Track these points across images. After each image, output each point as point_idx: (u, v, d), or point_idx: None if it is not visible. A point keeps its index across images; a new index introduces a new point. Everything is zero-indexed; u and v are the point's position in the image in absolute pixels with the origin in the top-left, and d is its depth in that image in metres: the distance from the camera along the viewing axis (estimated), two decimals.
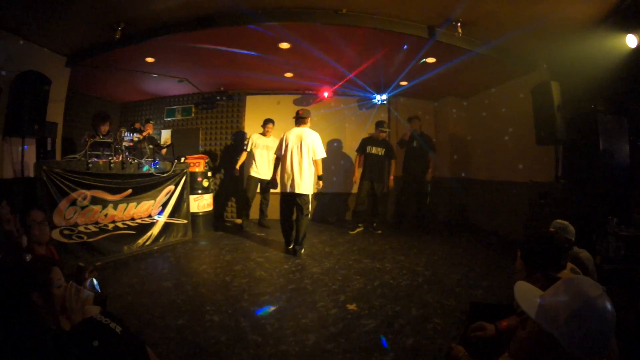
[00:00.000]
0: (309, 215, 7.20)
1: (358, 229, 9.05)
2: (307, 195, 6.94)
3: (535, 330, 1.47)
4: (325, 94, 10.23)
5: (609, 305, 1.36)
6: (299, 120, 7.13)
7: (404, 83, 9.25)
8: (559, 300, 1.43)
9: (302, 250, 7.00)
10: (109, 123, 7.25)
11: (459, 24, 6.04)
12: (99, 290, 3.09)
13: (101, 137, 6.94)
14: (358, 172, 9.26)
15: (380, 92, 9.81)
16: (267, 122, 9.40)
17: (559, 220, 3.82)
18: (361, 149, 9.22)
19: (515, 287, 1.71)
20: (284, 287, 5.33)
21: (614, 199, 5.76)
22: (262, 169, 9.27)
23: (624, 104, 6.12)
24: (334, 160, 10.83)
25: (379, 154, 9.05)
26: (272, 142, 9.24)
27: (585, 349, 1.33)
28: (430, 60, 7.64)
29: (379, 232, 8.99)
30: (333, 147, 10.91)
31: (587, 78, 6.22)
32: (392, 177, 9.27)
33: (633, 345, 2.43)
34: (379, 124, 9.19)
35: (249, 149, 9.30)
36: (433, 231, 9.17)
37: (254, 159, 9.28)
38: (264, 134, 9.42)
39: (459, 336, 3.14)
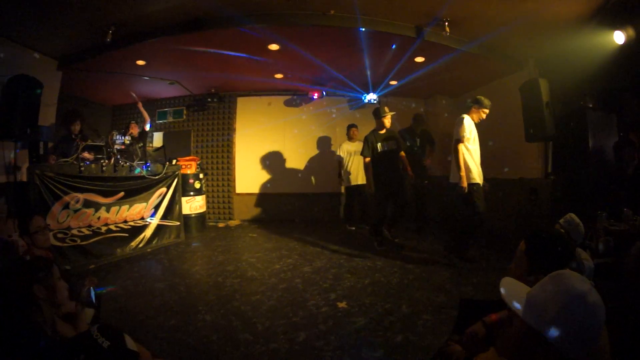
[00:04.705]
0: None
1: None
2: None
3: (523, 328, 1.42)
4: (315, 95, 10.26)
5: (598, 300, 1.32)
6: None
7: (393, 82, 9.29)
8: (547, 296, 1.38)
9: None
10: (78, 122, 7.24)
11: (446, 23, 6.09)
12: (93, 301, 3.13)
13: (73, 136, 6.96)
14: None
15: (369, 92, 9.82)
16: (351, 127, 9.51)
17: (574, 216, 3.74)
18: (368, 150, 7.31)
19: (501, 283, 1.64)
20: (275, 287, 5.36)
21: (603, 194, 5.80)
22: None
23: (613, 100, 6.17)
24: (326, 161, 10.92)
25: (391, 147, 7.34)
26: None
27: (576, 345, 1.29)
28: (419, 59, 7.69)
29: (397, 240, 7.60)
30: (323, 147, 11.00)
31: (575, 75, 6.28)
32: (409, 168, 7.63)
33: (623, 338, 2.43)
34: (377, 113, 7.33)
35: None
36: (427, 232, 8.75)
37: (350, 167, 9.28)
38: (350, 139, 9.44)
39: (450, 332, 3.16)
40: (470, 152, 6.16)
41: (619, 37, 5.38)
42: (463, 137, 6.03)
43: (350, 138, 9.39)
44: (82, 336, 1.78)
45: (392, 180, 7.16)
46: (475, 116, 6.23)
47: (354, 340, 3.82)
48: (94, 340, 1.68)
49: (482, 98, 6.19)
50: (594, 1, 5.34)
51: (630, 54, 5.38)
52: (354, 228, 9.35)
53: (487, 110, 6.22)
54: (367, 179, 7.37)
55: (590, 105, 6.29)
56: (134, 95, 8.54)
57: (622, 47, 5.40)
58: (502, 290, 1.59)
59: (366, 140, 7.31)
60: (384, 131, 7.26)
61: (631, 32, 5.25)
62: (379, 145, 7.20)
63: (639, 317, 2.91)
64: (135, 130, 8.28)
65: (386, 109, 7.29)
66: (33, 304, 2.23)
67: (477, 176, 6.18)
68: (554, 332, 1.31)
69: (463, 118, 6.13)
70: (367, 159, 7.21)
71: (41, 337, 2.06)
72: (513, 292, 1.58)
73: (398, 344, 3.75)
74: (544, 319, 1.34)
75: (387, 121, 7.24)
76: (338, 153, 9.44)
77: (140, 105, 8.54)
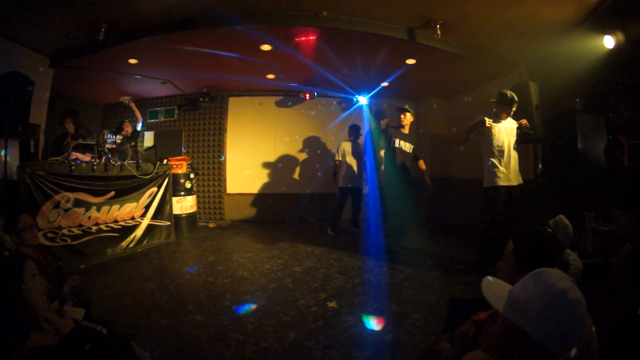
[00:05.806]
0: None
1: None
2: None
3: (505, 325, 1.45)
4: (307, 96, 10.28)
5: (579, 297, 1.34)
6: None
7: (385, 84, 9.31)
8: (528, 294, 1.39)
9: None
10: (70, 120, 7.20)
11: (438, 26, 6.11)
12: (72, 298, 3.14)
13: (68, 135, 6.97)
14: None
15: (361, 93, 9.85)
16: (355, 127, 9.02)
17: (563, 217, 3.76)
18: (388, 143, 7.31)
19: (482, 282, 1.70)
20: (265, 287, 5.37)
21: (592, 195, 5.86)
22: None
23: (602, 103, 6.23)
24: (316, 162, 10.95)
25: (407, 150, 7.41)
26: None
27: (558, 341, 1.32)
28: (411, 61, 7.71)
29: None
30: (314, 148, 11.02)
31: (565, 78, 6.31)
32: (428, 179, 7.70)
33: (612, 336, 2.46)
34: (403, 108, 7.47)
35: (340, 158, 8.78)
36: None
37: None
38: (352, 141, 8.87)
39: (439, 331, 3.18)
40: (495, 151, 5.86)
41: (608, 42, 5.44)
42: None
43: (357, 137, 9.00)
44: (80, 328, 1.80)
45: (396, 179, 7.09)
46: (503, 115, 5.83)
47: (344, 339, 3.84)
48: (93, 329, 1.70)
49: (506, 93, 5.70)
50: (585, 6, 5.39)
51: (619, 58, 5.44)
52: (333, 233, 8.82)
53: (513, 108, 5.72)
54: (379, 173, 7.28)
55: (580, 108, 6.35)
56: (126, 98, 8.48)
57: (612, 51, 5.46)
58: (484, 288, 1.64)
59: (385, 133, 7.27)
60: (403, 130, 7.33)
61: (621, 36, 5.31)
62: (396, 140, 7.19)
63: (627, 317, 2.95)
64: (129, 129, 8.26)
65: (409, 109, 7.37)
66: (9, 300, 2.25)
67: (500, 178, 5.78)
68: (536, 329, 1.33)
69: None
70: (382, 152, 7.14)
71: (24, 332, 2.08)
72: (494, 291, 1.62)
73: (387, 342, 3.78)
74: (526, 316, 1.36)
75: (407, 120, 7.34)
76: (335, 152, 9.01)
77: (132, 104, 8.52)
